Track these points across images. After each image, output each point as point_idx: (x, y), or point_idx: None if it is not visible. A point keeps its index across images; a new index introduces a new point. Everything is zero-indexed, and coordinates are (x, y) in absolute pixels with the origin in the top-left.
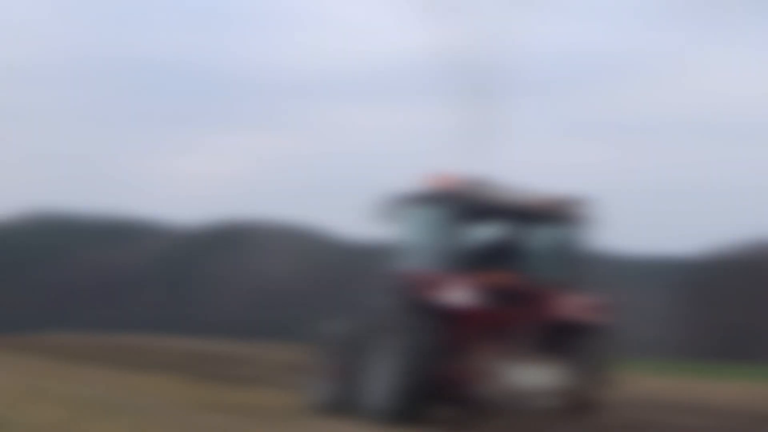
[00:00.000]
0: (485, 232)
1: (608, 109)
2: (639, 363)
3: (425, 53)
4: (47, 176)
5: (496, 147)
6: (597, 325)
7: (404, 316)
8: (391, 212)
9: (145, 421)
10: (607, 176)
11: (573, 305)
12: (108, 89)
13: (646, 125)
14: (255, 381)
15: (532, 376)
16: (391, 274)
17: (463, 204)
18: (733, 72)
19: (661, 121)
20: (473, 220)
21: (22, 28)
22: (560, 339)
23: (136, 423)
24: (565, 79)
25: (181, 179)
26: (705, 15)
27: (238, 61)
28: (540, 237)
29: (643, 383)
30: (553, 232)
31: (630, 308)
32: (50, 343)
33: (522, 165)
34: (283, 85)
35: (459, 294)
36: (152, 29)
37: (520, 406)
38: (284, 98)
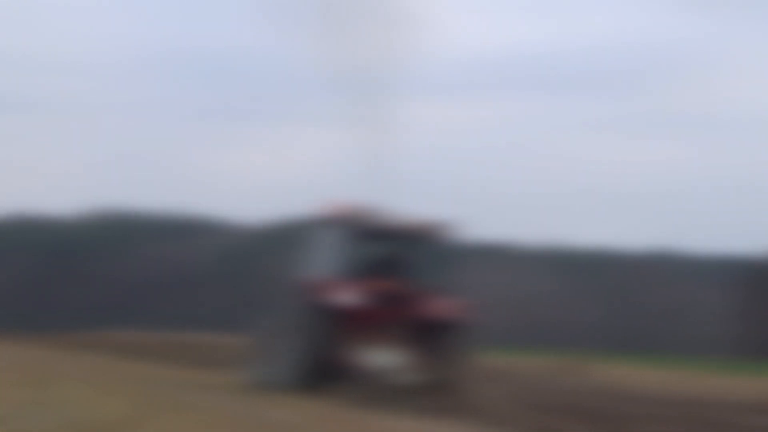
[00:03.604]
0: (371, 248)
1: (650, 105)
2: (700, 361)
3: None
4: (112, 173)
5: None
6: (456, 322)
7: (305, 314)
8: (298, 232)
9: (211, 416)
10: (658, 174)
11: (439, 306)
12: (172, 85)
13: (693, 121)
14: None
15: (398, 361)
16: (298, 280)
17: (353, 226)
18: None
19: (704, 117)
20: (361, 238)
21: (82, 24)
22: (427, 332)
23: (203, 419)
24: (606, 74)
25: (246, 176)
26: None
27: (303, 55)
28: (414, 252)
29: (705, 381)
30: (425, 248)
31: (692, 306)
32: (115, 341)
33: (568, 161)
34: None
35: (347, 296)
36: (217, 23)
37: (386, 382)
38: (350, 94)
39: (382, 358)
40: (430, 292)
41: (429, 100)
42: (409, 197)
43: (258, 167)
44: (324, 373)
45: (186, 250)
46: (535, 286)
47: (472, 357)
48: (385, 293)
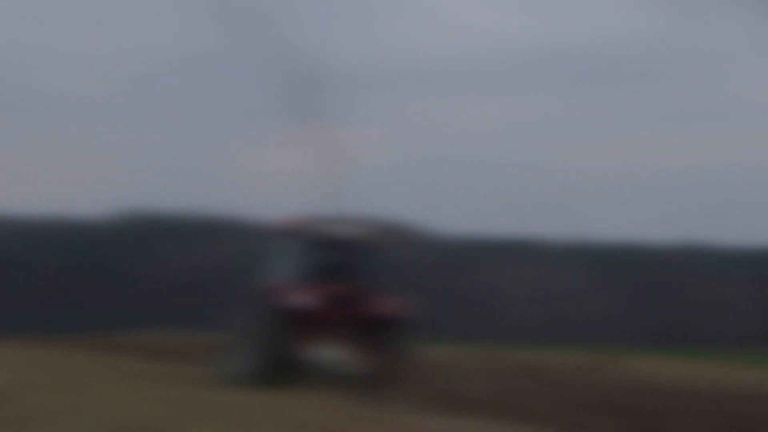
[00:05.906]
0: (323, 256)
1: (677, 98)
2: (732, 354)
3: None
4: (139, 176)
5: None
6: (398, 319)
7: (266, 315)
8: (260, 242)
9: (245, 417)
10: (687, 167)
11: (383, 305)
12: (197, 85)
13: (721, 113)
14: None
15: (344, 355)
16: (260, 285)
17: (307, 237)
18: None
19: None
20: (315, 247)
21: (109, 27)
22: (371, 329)
23: (234, 421)
24: (632, 68)
25: (273, 176)
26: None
27: (330, 53)
28: (362, 257)
29: (737, 375)
30: (371, 254)
31: (723, 299)
32: (144, 342)
33: (590, 154)
34: (376, 78)
35: (301, 299)
36: (245, 23)
37: (333, 374)
38: (377, 92)
39: (331, 352)
40: (375, 294)
41: (456, 97)
42: (396, 198)
43: (285, 167)
44: (282, 368)
45: (214, 251)
46: (565, 281)
47: (412, 350)
48: (336, 296)
